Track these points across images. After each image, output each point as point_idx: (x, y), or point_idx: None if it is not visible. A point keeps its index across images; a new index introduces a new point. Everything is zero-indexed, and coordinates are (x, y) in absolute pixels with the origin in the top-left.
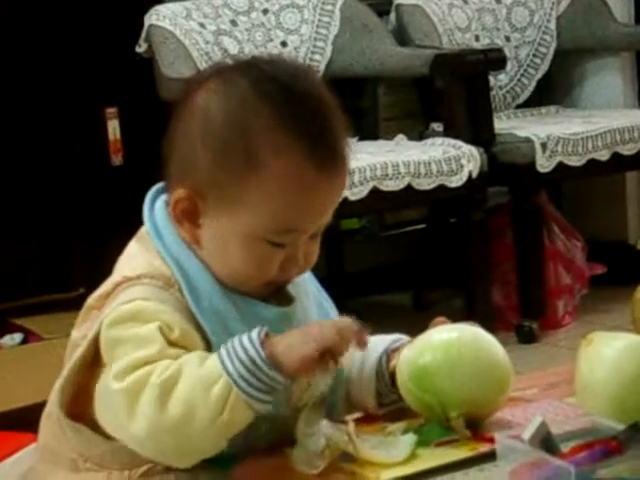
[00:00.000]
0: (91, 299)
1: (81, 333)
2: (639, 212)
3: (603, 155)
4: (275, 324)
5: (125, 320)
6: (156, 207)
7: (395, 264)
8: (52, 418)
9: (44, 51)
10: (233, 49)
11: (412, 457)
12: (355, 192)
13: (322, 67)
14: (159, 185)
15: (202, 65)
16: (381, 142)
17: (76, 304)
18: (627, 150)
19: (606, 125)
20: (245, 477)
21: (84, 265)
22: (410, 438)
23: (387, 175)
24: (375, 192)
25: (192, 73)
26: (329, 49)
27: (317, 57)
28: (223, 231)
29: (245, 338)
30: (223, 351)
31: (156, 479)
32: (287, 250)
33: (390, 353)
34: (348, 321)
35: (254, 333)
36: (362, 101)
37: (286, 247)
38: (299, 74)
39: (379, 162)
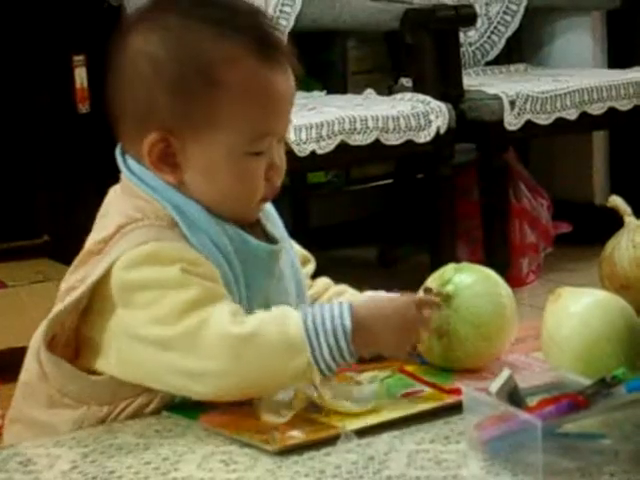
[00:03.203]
0: (90, 244)
1: (78, 276)
2: (606, 172)
3: (571, 114)
4: (264, 260)
5: (143, 262)
6: (128, 160)
7: (361, 219)
8: (33, 354)
9: None
10: None
11: (378, 407)
12: (322, 146)
13: (291, 19)
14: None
15: None
16: (349, 96)
17: (40, 251)
18: (595, 110)
19: (575, 84)
20: (212, 425)
21: (49, 212)
22: (377, 388)
23: (355, 129)
24: (343, 146)
25: None
26: (299, 1)
27: (287, 9)
28: (204, 161)
29: (338, 322)
30: (310, 324)
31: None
32: (266, 158)
33: None
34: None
35: (347, 319)
36: (331, 54)
37: (264, 155)
38: None
39: (347, 116)
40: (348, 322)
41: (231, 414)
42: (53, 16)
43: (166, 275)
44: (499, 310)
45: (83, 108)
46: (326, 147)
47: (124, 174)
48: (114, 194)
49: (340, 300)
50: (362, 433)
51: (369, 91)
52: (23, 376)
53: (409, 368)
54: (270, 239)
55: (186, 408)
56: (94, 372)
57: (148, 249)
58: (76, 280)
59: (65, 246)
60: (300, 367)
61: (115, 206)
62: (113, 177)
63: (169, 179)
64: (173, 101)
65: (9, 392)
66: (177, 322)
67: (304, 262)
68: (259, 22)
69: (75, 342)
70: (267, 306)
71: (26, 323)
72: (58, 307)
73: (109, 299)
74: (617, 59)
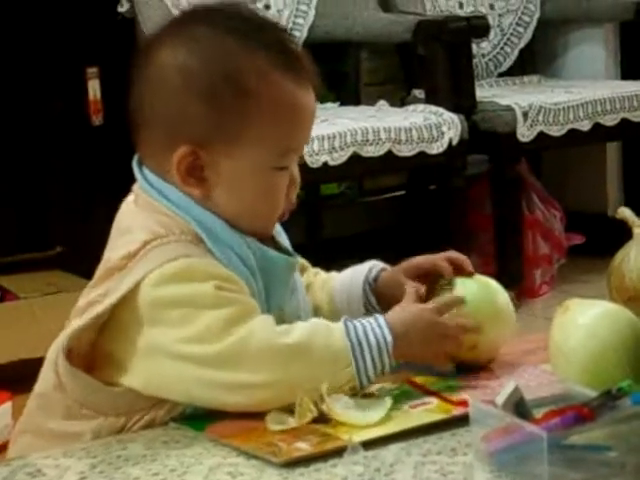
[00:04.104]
0: (113, 260)
1: (100, 291)
2: (619, 183)
3: (584, 125)
4: (283, 272)
5: (174, 279)
6: (145, 173)
7: (374, 230)
8: (50, 365)
9: (25, 9)
10: None
11: (386, 419)
12: (335, 157)
13: (305, 31)
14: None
15: None
16: (362, 107)
17: (53, 263)
18: (608, 121)
19: (588, 95)
20: (219, 437)
21: (62, 224)
22: (385, 400)
23: (368, 141)
24: (355, 157)
25: None
26: (312, 13)
27: (300, 21)
28: (233, 174)
29: (380, 336)
30: (354, 338)
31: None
32: (288, 173)
33: (372, 282)
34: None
35: (387, 334)
36: (344, 66)
37: (287, 170)
38: (244, 7)
39: (360, 127)
40: (389, 336)
41: (238, 425)
42: (67, 28)
43: (200, 292)
44: (492, 302)
45: (96, 120)
46: (339, 158)
47: (142, 187)
48: (128, 207)
49: (375, 315)
50: (369, 445)
51: (382, 102)
52: (38, 387)
53: (417, 380)
54: (284, 252)
55: (194, 419)
56: (110, 384)
57: (178, 265)
58: (98, 295)
59: (78, 258)
60: (343, 380)
61: (136, 221)
62: (126, 189)
63: (194, 192)
64: (205, 113)
65: (22, 403)
66: (218, 340)
67: (302, 270)
68: (283, 38)
69: (91, 355)
70: (282, 317)
71: (39, 335)
72: (77, 321)
73: (134, 315)
74: (630, 70)
